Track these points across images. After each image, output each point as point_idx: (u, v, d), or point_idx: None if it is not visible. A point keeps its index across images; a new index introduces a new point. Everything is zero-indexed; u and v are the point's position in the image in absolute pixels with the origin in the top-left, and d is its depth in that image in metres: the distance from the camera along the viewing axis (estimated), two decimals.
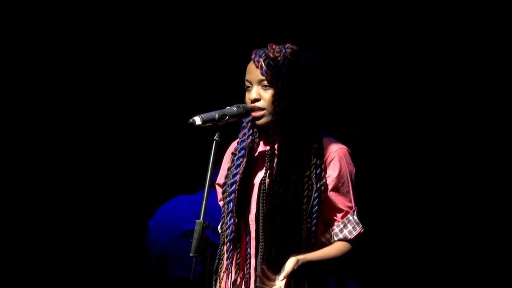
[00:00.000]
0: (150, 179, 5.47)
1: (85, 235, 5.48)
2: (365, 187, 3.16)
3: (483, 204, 5.07)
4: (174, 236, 4.70)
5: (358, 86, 5.21)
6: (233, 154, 3.16)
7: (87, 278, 5.48)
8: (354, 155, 3.15)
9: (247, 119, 3.11)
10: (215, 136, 2.93)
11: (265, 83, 3.06)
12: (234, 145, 3.20)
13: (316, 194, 3.03)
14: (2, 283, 5.40)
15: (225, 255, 3.12)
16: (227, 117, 2.98)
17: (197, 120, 2.91)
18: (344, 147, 3.12)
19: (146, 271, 4.79)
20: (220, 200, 3.21)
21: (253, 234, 3.11)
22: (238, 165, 3.12)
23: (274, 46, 3.11)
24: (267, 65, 3.04)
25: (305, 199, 3.04)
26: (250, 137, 3.14)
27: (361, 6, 5.14)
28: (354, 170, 3.11)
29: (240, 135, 3.17)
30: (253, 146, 3.14)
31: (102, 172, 5.50)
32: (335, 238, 3.09)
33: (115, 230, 5.48)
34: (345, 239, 3.08)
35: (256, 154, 3.14)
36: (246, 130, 3.15)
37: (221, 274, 3.14)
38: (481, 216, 5.07)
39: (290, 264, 2.97)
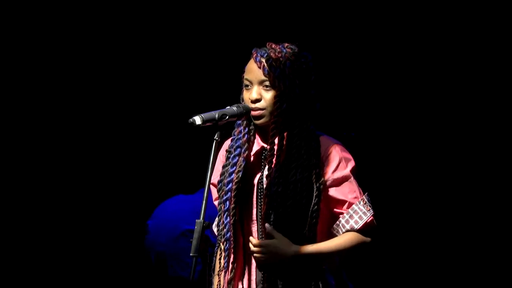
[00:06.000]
0: (150, 178, 5.46)
1: (84, 235, 5.48)
2: (364, 187, 3.15)
3: (483, 203, 5.07)
4: (174, 236, 4.69)
5: (357, 86, 5.21)
6: (228, 152, 3.16)
7: (87, 278, 5.47)
8: (354, 155, 3.15)
9: (242, 118, 3.10)
10: (215, 136, 2.93)
11: (267, 83, 3.06)
12: (228, 143, 3.20)
13: (316, 193, 3.04)
14: (2, 283, 5.40)
15: (222, 254, 3.13)
16: (227, 117, 2.98)
17: (197, 120, 2.91)
18: (339, 142, 3.13)
19: (146, 271, 4.78)
20: (215, 200, 3.20)
21: (254, 235, 3.11)
22: (234, 164, 3.12)
23: (274, 46, 3.11)
24: (270, 66, 3.04)
25: (305, 199, 3.04)
26: (246, 135, 3.14)
27: (361, 5, 5.14)
28: (352, 161, 3.11)
29: (235, 133, 3.16)
30: (249, 144, 3.14)
31: (102, 172, 5.49)
32: (343, 230, 3.08)
33: (115, 230, 5.48)
34: (352, 230, 3.06)
35: (252, 153, 3.14)
36: (242, 128, 3.15)
37: (219, 273, 3.14)
38: (481, 216, 5.07)
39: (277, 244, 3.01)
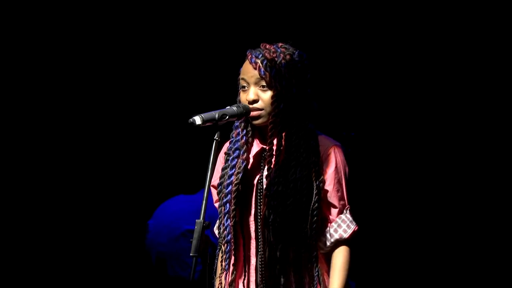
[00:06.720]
0: (150, 179, 5.47)
1: (85, 235, 5.48)
2: (364, 187, 3.16)
3: (483, 204, 5.07)
4: (174, 236, 4.70)
5: (357, 86, 5.21)
6: (227, 154, 3.16)
7: (87, 278, 5.48)
8: (354, 155, 3.15)
9: (241, 119, 3.11)
10: (215, 136, 2.93)
11: (263, 83, 3.06)
12: (227, 145, 3.20)
13: (316, 191, 3.04)
14: (2, 283, 5.40)
15: (224, 256, 3.13)
16: (227, 117, 2.98)
17: (197, 119, 2.91)
18: (338, 143, 3.13)
19: (146, 271, 4.79)
20: (215, 202, 3.20)
21: (252, 235, 3.11)
22: (233, 166, 3.12)
23: (268, 46, 3.11)
24: (265, 66, 3.04)
25: (305, 198, 3.04)
26: (244, 137, 3.14)
27: (361, 5, 5.14)
28: (347, 167, 3.12)
29: (233, 135, 3.16)
30: (247, 146, 3.14)
31: (102, 172, 5.50)
32: (331, 240, 3.09)
33: (115, 230, 5.48)
34: (341, 239, 3.08)
35: (251, 154, 3.14)
36: (240, 129, 3.15)
37: (220, 276, 3.14)
38: (480, 216, 5.07)
39: None
